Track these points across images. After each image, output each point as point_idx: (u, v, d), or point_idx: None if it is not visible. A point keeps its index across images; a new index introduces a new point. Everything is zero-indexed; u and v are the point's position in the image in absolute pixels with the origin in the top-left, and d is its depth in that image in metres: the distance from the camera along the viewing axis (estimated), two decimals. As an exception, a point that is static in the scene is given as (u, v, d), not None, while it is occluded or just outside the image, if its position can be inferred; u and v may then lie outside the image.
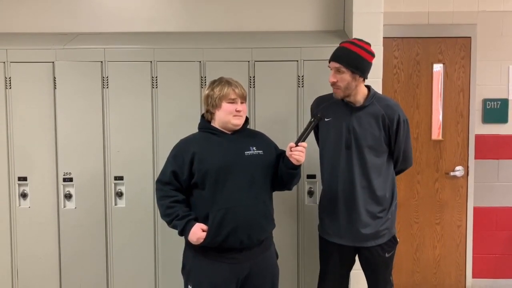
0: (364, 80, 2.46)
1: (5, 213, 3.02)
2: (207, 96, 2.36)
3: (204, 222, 2.25)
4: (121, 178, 3.01)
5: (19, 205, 3.03)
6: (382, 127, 2.45)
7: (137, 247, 3.03)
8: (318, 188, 3.01)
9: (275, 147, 2.49)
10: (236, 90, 2.33)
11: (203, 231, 2.23)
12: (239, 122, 2.34)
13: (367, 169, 2.44)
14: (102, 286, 3.05)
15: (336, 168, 2.48)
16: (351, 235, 2.47)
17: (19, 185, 3.02)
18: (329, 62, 2.45)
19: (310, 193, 3.04)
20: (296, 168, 2.35)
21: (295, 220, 3.05)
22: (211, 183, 2.25)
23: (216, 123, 2.37)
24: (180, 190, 2.32)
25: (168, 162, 2.36)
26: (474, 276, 3.89)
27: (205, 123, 2.41)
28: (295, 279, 3.07)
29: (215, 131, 2.36)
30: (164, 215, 2.32)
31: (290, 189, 2.51)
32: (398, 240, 2.58)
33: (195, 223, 2.25)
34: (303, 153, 2.30)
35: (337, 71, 2.40)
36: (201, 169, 2.26)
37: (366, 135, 2.44)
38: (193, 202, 2.33)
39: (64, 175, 2.99)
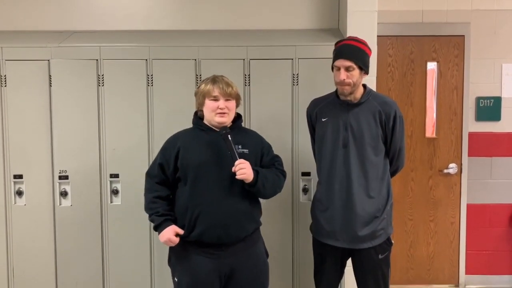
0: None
1: (0, 211, 3.02)
2: (195, 94, 2.42)
3: (184, 216, 2.28)
4: (116, 175, 3.02)
5: (15, 203, 3.03)
6: (379, 123, 2.45)
7: (133, 244, 3.05)
8: (312, 185, 3.03)
9: (263, 147, 2.43)
10: (217, 88, 2.30)
11: (178, 234, 2.27)
12: (222, 120, 2.31)
13: (365, 167, 2.44)
14: (98, 283, 3.06)
15: (334, 167, 2.48)
16: (347, 236, 2.46)
17: (15, 182, 3.02)
18: (336, 60, 2.43)
19: (305, 190, 3.06)
20: (250, 185, 2.25)
21: (290, 218, 3.07)
22: (192, 178, 2.27)
23: (206, 120, 2.39)
24: (167, 183, 2.36)
25: (157, 155, 2.41)
26: (467, 272, 3.93)
27: (197, 119, 2.43)
28: (289, 276, 3.09)
29: (204, 128, 2.38)
30: (146, 208, 2.37)
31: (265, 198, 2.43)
32: (392, 242, 2.57)
33: (171, 224, 2.29)
34: (244, 170, 2.20)
35: (347, 68, 2.40)
36: (183, 164, 2.29)
37: (363, 132, 2.44)
38: (177, 196, 2.36)
39: (60, 172, 2.99)
